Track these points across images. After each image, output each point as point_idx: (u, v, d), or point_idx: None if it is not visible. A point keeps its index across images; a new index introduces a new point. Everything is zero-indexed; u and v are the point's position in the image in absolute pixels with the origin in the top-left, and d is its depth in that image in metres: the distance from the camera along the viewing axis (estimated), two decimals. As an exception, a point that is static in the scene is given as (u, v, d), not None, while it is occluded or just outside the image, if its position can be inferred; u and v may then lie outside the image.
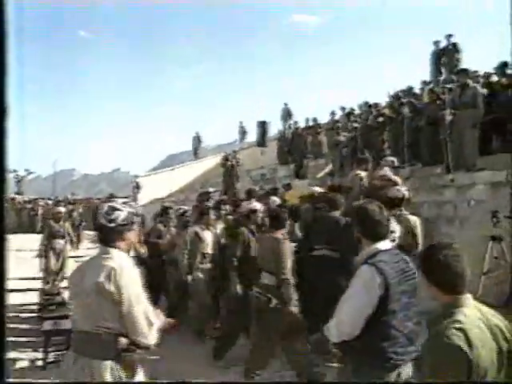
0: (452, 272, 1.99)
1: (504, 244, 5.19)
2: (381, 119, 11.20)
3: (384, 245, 2.67)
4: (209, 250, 6.10)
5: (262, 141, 18.62)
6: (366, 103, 13.27)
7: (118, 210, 2.57)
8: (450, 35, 12.95)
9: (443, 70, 13.07)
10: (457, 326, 1.89)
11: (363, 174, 6.87)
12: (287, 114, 18.73)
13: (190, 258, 6.02)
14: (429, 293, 2.07)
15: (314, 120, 15.92)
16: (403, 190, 5.13)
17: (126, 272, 2.47)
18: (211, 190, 9.96)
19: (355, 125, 12.17)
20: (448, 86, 9.39)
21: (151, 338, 2.49)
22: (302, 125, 16.36)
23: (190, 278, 6.02)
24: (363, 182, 6.70)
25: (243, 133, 23.95)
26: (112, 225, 2.54)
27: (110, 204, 2.62)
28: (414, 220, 4.82)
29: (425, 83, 12.85)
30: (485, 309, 2.06)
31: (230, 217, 6.59)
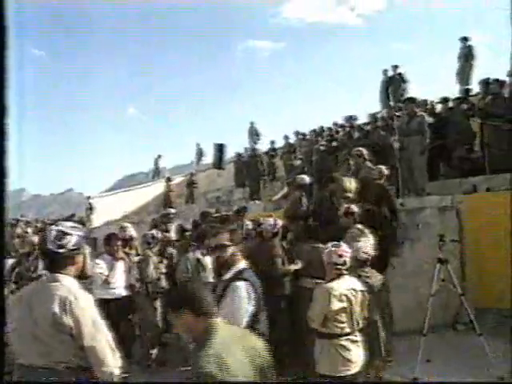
0: (203, 298, 2.11)
1: (450, 267, 5.37)
2: (334, 143, 11.49)
3: (244, 263, 2.88)
4: (211, 278, 5.43)
5: (218, 163, 18.64)
6: (321, 127, 13.58)
7: (68, 234, 2.44)
8: (396, 66, 13.55)
9: (391, 98, 13.62)
10: (209, 352, 1.93)
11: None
12: (254, 134, 18.85)
13: None
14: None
15: (272, 143, 16.17)
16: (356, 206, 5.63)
17: (81, 301, 2.34)
18: (172, 211, 9.77)
19: (307, 149, 12.46)
20: (397, 113, 9.78)
21: (117, 367, 2.38)
22: (261, 147, 16.60)
23: None
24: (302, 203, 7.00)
25: (200, 154, 23.91)
26: (62, 250, 2.40)
27: (58, 228, 2.46)
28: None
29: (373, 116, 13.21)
30: (236, 329, 2.19)
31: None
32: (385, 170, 6.92)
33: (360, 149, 7.85)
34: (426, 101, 10.99)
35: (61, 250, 2.40)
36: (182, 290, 2.36)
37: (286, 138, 15.10)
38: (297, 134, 14.71)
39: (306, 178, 7.50)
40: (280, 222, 6.38)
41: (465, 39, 12.73)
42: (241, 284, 2.63)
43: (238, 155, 17.10)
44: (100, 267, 5.58)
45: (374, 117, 10.79)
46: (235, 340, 2.03)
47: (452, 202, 7.31)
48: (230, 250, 2.84)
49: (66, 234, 2.44)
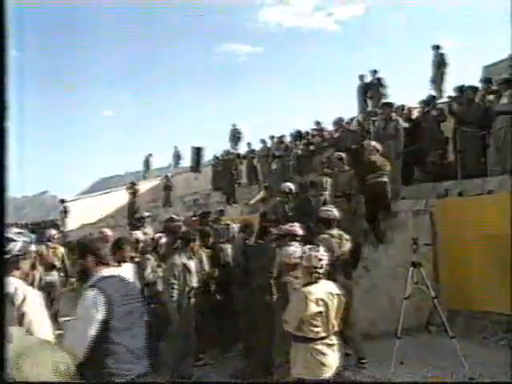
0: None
1: (423, 270, 5.46)
2: (311, 147, 11.58)
3: (109, 271, 2.90)
4: (194, 282, 5.54)
5: (196, 166, 18.57)
6: (298, 132, 13.67)
7: (13, 240, 2.57)
8: (375, 71, 13.73)
9: (369, 103, 13.80)
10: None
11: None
12: (235, 135, 18.84)
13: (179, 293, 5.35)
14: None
15: (248, 145, 16.24)
16: (334, 210, 5.70)
17: (29, 297, 2.48)
18: (146, 214, 9.68)
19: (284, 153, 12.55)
20: (373, 118, 9.92)
21: None
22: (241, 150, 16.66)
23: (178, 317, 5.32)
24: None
25: (178, 157, 23.83)
26: (6, 256, 2.51)
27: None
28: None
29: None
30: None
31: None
32: (378, 145, 7.44)
33: (340, 153, 8.01)
34: (403, 106, 11.18)
35: (5, 256, 2.51)
36: (87, 241, 3.12)
37: (263, 141, 15.17)
38: (272, 137, 14.74)
39: (291, 186, 7.66)
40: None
41: (437, 47, 13.04)
42: (88, 293, 2.68)
43: (216, 158, 17.08)
44: None
45: (339, 122, 10.96)
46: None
47: (425, 206, 7.45)
48: (91, 258, 2.92)
49: (10, 240, 2.56)
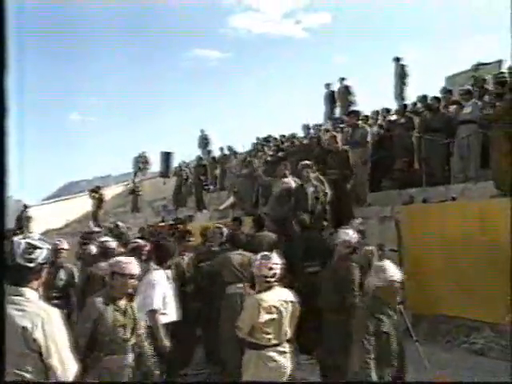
0: None
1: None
2: (281, 154, 11.65)
3: None
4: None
5: (165, 171, 18.41)
6: (267, 137, 13.74)
7: (38, 247, 2.38)
8: (342, 78, 13.96)
9: (337, 111, 14.01)
10: None
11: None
12: (204, 141, 18.71)
13: None
14: None
15: (221, 150, 16.25)
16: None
17: (53, 317, 2.30)
18: (96, 229, 9.25)
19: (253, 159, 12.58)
20: (340, 125, 10.07)
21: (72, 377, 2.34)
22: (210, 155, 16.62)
23: None
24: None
25: (145, 163, 23.45)
26: (32, 265, 2.34)
27: (28, 241, 2.39)
28: None
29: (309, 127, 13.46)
30: None
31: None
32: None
33: (307, 162, 7.98)
34: (377, 112, 11.41)
35: (30, 265, 2.34)
36: None
37: (230, 148, 15.24)
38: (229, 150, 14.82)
39: None
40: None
41: (397, 59, 13.35)
42: None
43: (185, 164, 17.00)
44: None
45: (307, 128, 11.10)
46: None
47: (391, 213, 7.59)
48: None
49: (35, 247, 2.37)
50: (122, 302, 3.53)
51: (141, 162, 23.04)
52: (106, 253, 5.58)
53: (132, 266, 3.57)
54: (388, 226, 7.36)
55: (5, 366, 1.82)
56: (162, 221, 11.65)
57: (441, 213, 6.90)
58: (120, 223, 8.36)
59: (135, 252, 5.14)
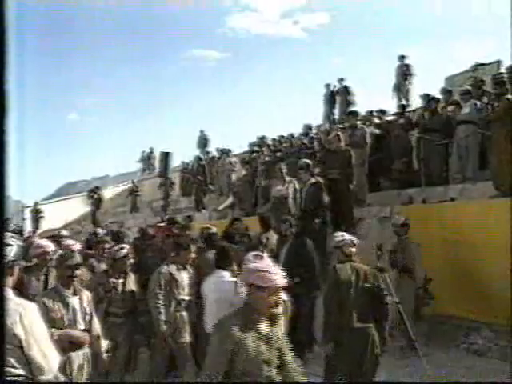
0: None
1: (387, 276, 5.54)
2: (279, 154, 11.65)
3: None
4: (183, 295, 5.03)
5: (164, 171, 18.35)
6: (262, 138, 13.73)
7: (9, 244, 2.39)
8: (341, 79, 13.95)
9: (336, 111, 14.00)
10: None
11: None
12: (204, 142, 18.73)
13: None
14: None
15: (217, 150, 16.23)
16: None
17: (29, 312, 2.33)
18: (100, 232, 8.92)
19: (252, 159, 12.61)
20: (340, 126, 10.07)
21: (53, 371, 2.37)
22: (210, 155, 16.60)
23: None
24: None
25: (149, 162, 23.42)
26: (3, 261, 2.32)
27: None
28: None
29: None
30: None
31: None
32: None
33: (306, 161, 8.07)
34: (371, 112, 11.37)
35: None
36: None
37: (222, 150, 15.25)
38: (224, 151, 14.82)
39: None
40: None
41: (402, 57, 13.09)
42: None
43: (185, 164, 16.98)
44: None
45: (307, 128, 11.08)
46: None
47: (390, 213, 7.59)
48: None
49: (6, 244, 2.37)
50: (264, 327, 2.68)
51: (149, 159, 22.69)
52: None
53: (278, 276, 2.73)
54: (387, 226, 7.37)
55: (5, 365, 1.82)
56: (162, 221, 11.62)
57: (439, 213, 6.91)
58: (98, 230, 8.22)
59: None
